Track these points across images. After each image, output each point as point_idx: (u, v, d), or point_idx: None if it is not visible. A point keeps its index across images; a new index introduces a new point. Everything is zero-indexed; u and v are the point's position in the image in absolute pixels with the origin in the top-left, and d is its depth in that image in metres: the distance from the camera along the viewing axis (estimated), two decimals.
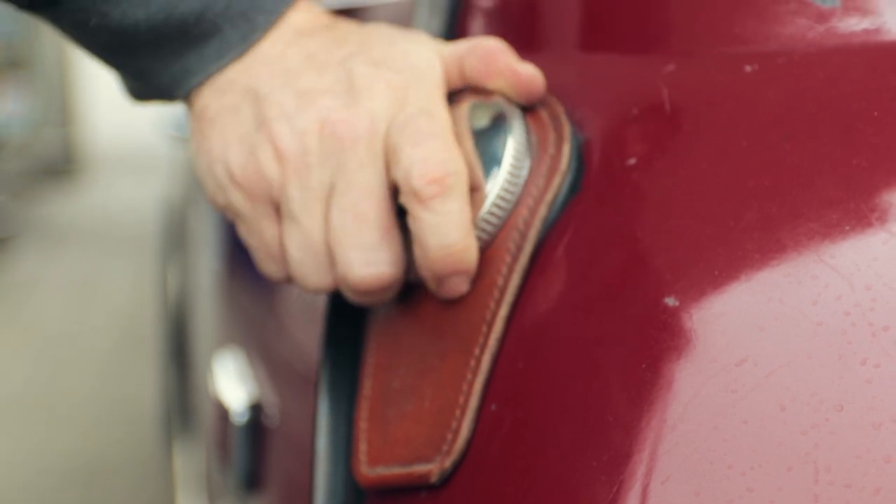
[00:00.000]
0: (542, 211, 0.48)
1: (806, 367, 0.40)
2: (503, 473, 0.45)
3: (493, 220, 0.50)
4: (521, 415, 0.45)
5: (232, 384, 0.81)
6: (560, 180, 0.48)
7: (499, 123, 0.51)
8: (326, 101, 0.51)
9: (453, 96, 0.53)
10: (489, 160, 0.51)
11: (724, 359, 0.41)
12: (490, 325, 0.47)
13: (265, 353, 0.78)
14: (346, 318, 0.56)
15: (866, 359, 0.40)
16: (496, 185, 0.50)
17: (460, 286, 0.50)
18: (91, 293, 4.13)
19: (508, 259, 0.48)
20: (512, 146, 0.50)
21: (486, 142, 0.51)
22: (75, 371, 3.27)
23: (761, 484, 0.39)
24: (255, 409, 0.76)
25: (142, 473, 2.57)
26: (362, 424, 0.52)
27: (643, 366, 0.42)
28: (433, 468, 0.47)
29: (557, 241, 0.47)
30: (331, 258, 0.51)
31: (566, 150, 0.49)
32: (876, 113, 0.44)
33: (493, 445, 0.46)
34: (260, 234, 0.53)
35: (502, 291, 0.48)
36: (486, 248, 0.50)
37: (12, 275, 4.45)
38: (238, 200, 0.53)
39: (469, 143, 0.51)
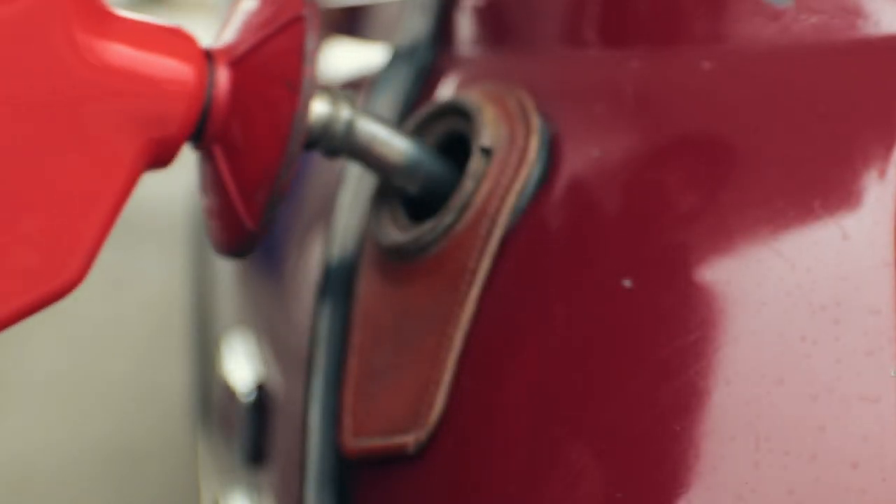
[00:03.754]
0: (511, 200, 0.51)
1: (750, 344, 0.43)
2: (475, 443, 0.48)
3: None
4: (492, 389, 0.48)
5: (239, 364, 0.84)
6: (528, 171, 0.51)
7: None
8: None
9: None
10: None
11: (676, 336, 0.44)
12: (462, 306, 0.50)
13: (268, 333, 0.80)
14: (336, 299, 0.59)
15: (805, 336, 0.43)
16: None
17: None
18: (124, 281, 4.17)
19: (479, 244, 0.51)
20: None
21: None
22: (109, 358, 3.31)
23: (706, 451, 0.42)
24: (261, 389, 0.78)
25: (175, 460, 2.59)
26: (347, 399, 0.55)
27: (601, 343, 0.46)
28: (410, 439, 0.50)
29: (525, 228, 0.50)
30: None
31: (533, 142, 0.51)
32: (821, 108, 0.47)
33: (466, 418, 0.49)
34: None
35: (473, 274, 0.50)
36: (460, 234, 0.53)
37: None
38: None
39: None
